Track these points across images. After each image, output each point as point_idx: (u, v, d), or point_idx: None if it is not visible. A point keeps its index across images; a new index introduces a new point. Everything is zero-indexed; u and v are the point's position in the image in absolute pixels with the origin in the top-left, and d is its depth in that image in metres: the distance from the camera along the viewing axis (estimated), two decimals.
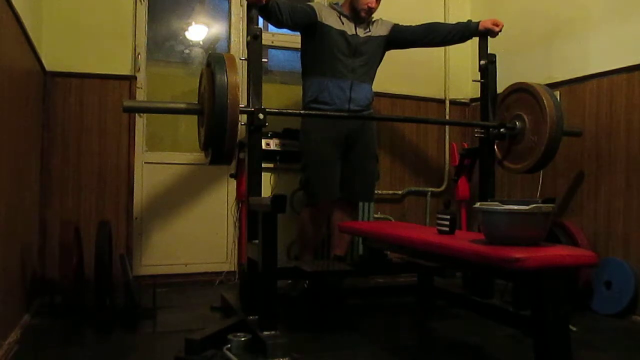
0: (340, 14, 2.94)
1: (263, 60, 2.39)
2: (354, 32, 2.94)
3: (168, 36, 3.63)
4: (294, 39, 3.46)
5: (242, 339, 2.07)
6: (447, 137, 4.01)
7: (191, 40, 3.70)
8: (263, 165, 2.46)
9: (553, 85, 3.15)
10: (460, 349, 2.31)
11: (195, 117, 2.35)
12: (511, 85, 2.73)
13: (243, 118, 2.27)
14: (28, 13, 2.47)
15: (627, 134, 2.85)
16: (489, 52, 2.86)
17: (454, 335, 2.49)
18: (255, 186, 2.37)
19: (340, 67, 2.90)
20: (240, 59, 2.59)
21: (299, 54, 3.12)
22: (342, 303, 2.97)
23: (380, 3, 2.96)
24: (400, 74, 3.77)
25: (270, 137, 3.41)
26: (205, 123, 2.15)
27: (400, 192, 3.89)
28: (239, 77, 2.17)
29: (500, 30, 2.84)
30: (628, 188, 2.83)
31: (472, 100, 3.98)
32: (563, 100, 3.16)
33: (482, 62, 2.85)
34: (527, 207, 1.68)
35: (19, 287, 2.37)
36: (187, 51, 3.70)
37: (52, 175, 3.07)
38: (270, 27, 3.56)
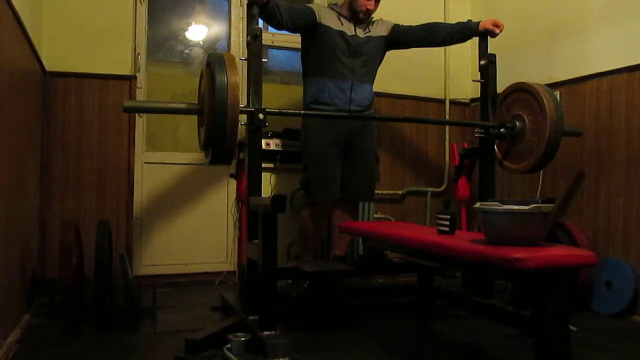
0: (340, 14, 2.94)
1: (263, 60, 2.40)
2: (354, 33, 2.94)
3: (168, 36, 3.63)
4: (294, 39, 3.46)
5: (242, 339, 2.08)
6: (447, 137, 4.01)
7: (191, 40, 3.70)
8: (263, 165, 2.46)
9: (553, 85, 3.15)
10: (460, 349, 2.31)
11: (195, 117, 2.35)
12: (511, 85, 2.72)
13: (243, 118, 2.27)
14: (28, 13, 2.47)
15: (627, 134, 2.85)
16: (489, 52, 2.87)
17: (454, 335, 2.49)
18: (255, 186, 2.37)
19: (341, 68, 2.90)
20: (240, 59, 2.59)
21: (299, 54, 3.12)
22: (342, 303, 2.98)
23: (380, 3, 2.96)
24: (400, 74, 3.77)
25: (270, 137, 3.40)
26: (205, 123, 2.15)
27: (400, 192, 3.89)
28: (239, 77, 2.17)
29: (500, 31, 2.84)
30: (628, 188, 2.83)
31: (472, 100, 3.98)
32: (563, 100, 3.16)
33: (482, 62, 2.86)
34: (527, 207, 1.68)
35: (19, 287, 2.37)
36: (187, 51, 3.70)
37: (52, 175, 3.07)
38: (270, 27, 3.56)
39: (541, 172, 3.07)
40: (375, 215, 3.66)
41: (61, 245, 2.32)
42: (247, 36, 2.47)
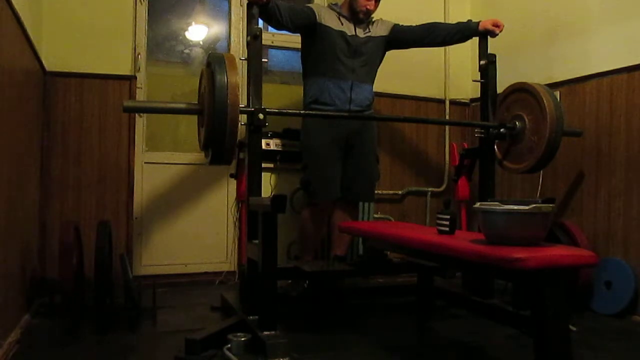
0: (340, 14, 2.94)
1: (263, 60, 2.40)
2: (354, 33, 2.94)
3: (168, 36, 3.63)
4: (294, 39, 3.46)
5: (242, 339, 2.08)
6: (447, 137, 4.01)
7: (191, 40, 3.69)
8: (263, 165, 2.46)
9: (553, 85, 3.15)
10: (460, 349, 2.31)
11: (195, 117, 2.35)
12: (511, 85, 2.73)
13: (243, 118, 2.28)
14: (28, 13, 2.47)
15: (627, 134, 2.85)
16: (489, 52, 2.87)
17: (454, 335, 2.49)
18: (255, 186, 2.37)
19: (341, 68, 2.90)
20: (240, 59, 2.59)
21: (299, 54, 3.12)
22: (342, 303, 2.98)
23: (380, 3, 2.96)
24: (400, 74, 3.77)
25: (270, 137, 3.40)
26: (205, 123, 2.15)
27: (400, 192, 3.89)
28: (239, 77, 2.17)
29: (500, 31, 2.84)
30: (628, 188, 2.83)
31: (472, 100, 3.98)
32: (563, 100, 3.16)
33: (482, 62, 2.86)
34: (527, 207, 1.68)
35: (19, 287, 2.37)
36: (187, 51, 3.70)
37: (52, 175, 3.07)
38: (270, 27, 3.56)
39: (541, 172, 3.07)
40: (375, 215, 3.66)
41: (61, 245, 2.32)
42: (247, 36, 2.47)
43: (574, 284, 2.69)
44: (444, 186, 4.00)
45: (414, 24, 3.04)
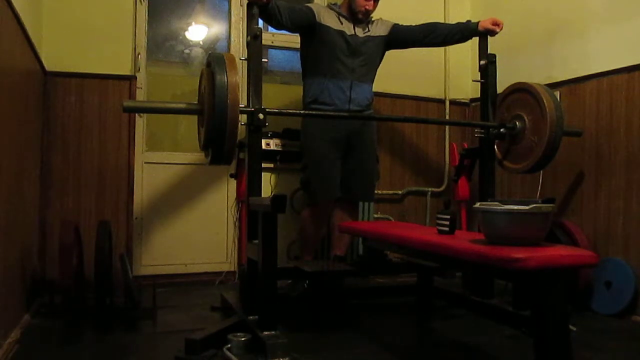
0: (339, 14, 2.94)
1: (263, 60, 2.40)
2: (353, 33, 2.94)
3: (168, 36, 3.63)
4: (294, 39, 3.46)
5: (242, 339, 2.08)
6: (447, 137, 4.01)
7: (191, 40, 3.69)
8: (263, 165, 2.46)
9: (553, 85, 3.15)
10: (460, 349, 2.31)
11: (195, 117, 2.35)
12: (511, 85, 2.72)
13: (243, 118, 2.27)
14: (28, 13, 2.47)
15: (627, 134, 2.85)
16: (489, 52, 2.87)
17: (454, 335, 2.49)
18: (255, 186, 2.37)
19: (340, 68, 2.90)
20: (240, 59, 2.59)
21: (299, 54, 3.12)
22: (342, 303, 2.98)
23: (379, 3, 2.96)
24: (400, 74, 3.77)
25: (270, 137, 3.40)
26: (205, 123, 2.15)
27: (400, 192, 3.89)
28: (239, 77, 2.17)
29: (500, 30, 2.84)
30: (628, 188, 2.83)
31: (472, 100, 3.98)
32: (563, 100, 3.16)
33: (482, 62, 2.86)
34: (527, 207, 1.68)
35: (19, 287, 2.37)
36: (187, 51, 3.70)
37: (52, 175, 3.07)
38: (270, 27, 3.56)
39: (541, 172, 3.07)
40: (375, 215, 3.66)
41: (61, 245, 2.32)
42: (247, 36, 2.47)
43: (574, 284, 2.69)
44: (444, 186, 4.00)
45: (413, 24, 3.04)
